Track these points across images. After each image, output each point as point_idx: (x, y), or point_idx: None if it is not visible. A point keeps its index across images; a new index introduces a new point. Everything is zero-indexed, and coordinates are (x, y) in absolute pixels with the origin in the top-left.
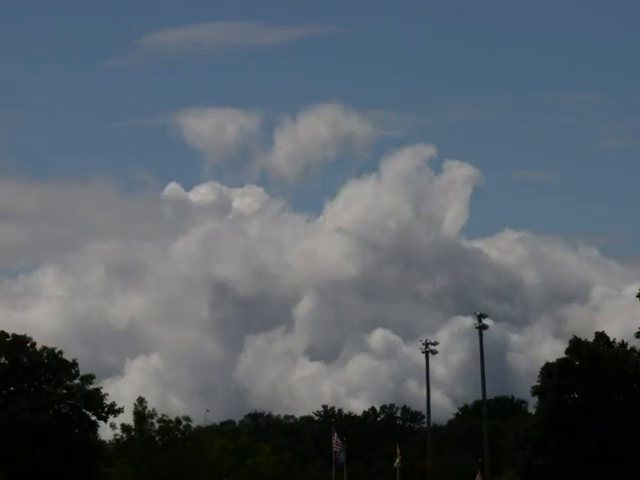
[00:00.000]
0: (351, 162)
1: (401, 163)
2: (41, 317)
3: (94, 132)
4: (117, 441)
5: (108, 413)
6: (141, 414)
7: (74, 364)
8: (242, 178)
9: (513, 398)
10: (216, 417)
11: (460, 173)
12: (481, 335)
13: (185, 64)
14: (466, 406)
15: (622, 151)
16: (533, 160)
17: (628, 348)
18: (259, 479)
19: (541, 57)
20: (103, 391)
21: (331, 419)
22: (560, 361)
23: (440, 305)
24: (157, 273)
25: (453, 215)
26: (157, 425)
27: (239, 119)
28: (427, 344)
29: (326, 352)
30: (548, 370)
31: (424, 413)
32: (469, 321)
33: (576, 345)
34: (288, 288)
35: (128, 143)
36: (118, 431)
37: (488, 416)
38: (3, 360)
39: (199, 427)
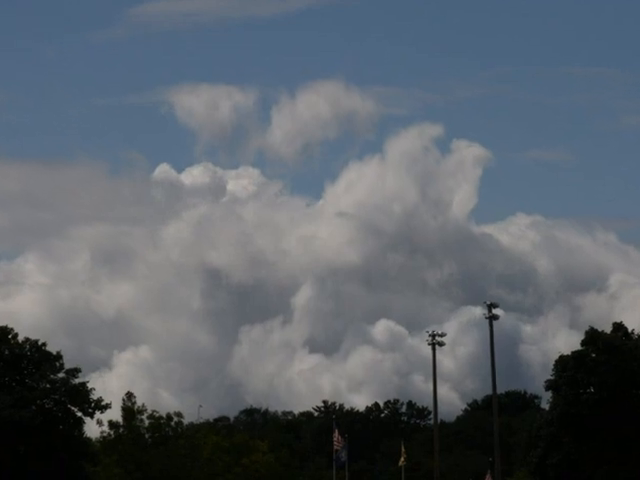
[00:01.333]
0: (353, 142)
1: (406, 143)
2: (23, 306)
3: (79, 110)
4: (104, 438)
5: (94, 409)
6: (130, 410)
7: (58, 356)
8: (237, 159)
9: (525, 393)
10: (209, 413)
11: (469, 153)
12: (491, 326)
13: (176, 37)
14: (475, 401)
15: None
16: (547, 139)
17: None
18: (255, 479)
19: (555, 29)
20: (89, 385)
21: (332, 415)
22: (575, 353)
23: (448, 294)
24: (146, 260)
25: (462, 198)
26: (147, 422)
27: (234, 96)
28: (434, 336)
29: (326, 344)
30: (562, 363)
31: (430, 409)
32: (478, 311)
33: (592, 336)
34: (286, 276)
35: (115, 122)
36: (105, 428)
37: (499, 412)
38: None
39: (191, 424)
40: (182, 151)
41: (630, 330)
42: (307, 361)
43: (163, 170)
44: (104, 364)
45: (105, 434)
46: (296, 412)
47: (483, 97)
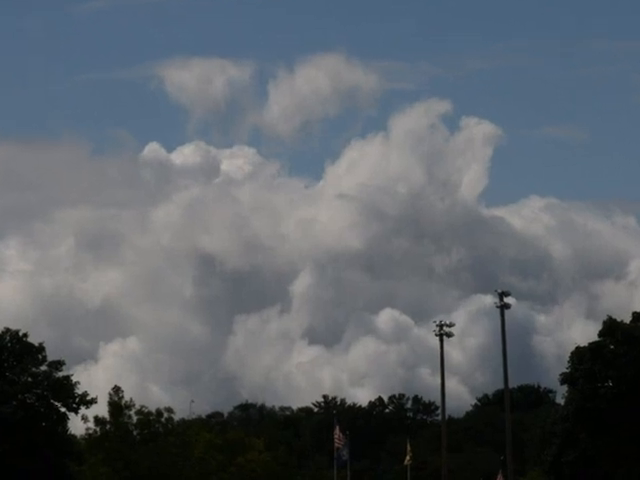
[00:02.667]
0: (355, 119)
1: (412, 120)
2: (3, 295)
3: (62, 86)
4: (89, 436)
5: (79, 404)
6: (117, 405)
7: (41, 348)
8: (231, 137)
9: (539, 387)
10: (202, 408)
11: (479, 131)
12: (503, 316)
13: (166, 7)
14: (486, 396)
15: None
16: (562, 116)
17: None
18: (251, 479)
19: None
20: (74, 379)
21: (332, 411)
22: (592, 345)
23: (456, 281)
24: (135, 245)
25: (471, 179)
26: (135, 418)
27: (228, 70)
28: (441, 326)
29: (327, 335)
30: (579, 355)
31: (438, 404)
32: (489, 300)
33: (611, 326)
34: (284, 262)
35: (102, 98)
36: (91, 424)
37: (511, 407)
38: None
39: (183, 420)
40: (173, 129)
41: None
42: (306, 353)
43: (152, 149)
44: (89, 356)
45: (91, 431)
46: (294, 407)
47: (494, 71)
